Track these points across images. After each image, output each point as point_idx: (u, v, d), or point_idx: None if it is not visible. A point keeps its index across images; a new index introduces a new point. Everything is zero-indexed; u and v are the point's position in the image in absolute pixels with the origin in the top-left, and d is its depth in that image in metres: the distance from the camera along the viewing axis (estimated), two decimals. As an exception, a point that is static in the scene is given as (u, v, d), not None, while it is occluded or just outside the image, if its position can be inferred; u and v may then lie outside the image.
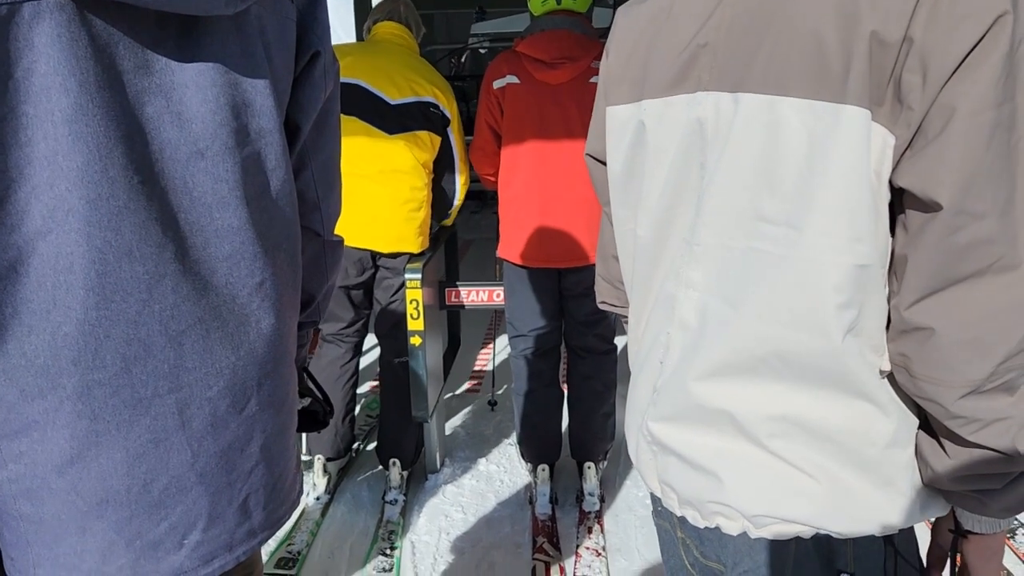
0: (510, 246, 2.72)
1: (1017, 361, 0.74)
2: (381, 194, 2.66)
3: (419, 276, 2.69)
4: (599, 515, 2.81)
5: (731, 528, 0.93)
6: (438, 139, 2.76)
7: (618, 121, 1.02)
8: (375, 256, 2.77)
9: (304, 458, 3.00)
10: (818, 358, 0.83)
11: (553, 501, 2.86)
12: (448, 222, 3.07)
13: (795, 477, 0.87)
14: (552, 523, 2.77)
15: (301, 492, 1.05)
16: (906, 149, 0.75)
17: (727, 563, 0.98)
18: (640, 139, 0.98)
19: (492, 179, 2.83)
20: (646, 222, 0.99)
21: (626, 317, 1.18)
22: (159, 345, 0.76)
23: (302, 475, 1.07)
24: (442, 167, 2.83)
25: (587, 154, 1.17)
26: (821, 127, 0.77)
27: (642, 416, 1.02)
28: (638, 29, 0.98)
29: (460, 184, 2.88)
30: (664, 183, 0.95)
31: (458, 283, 3.12)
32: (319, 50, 0.96)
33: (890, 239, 0.80)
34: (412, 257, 2.80)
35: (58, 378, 0.71)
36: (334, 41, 1.02)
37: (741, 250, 0.86)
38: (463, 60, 9.28)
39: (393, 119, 2.62)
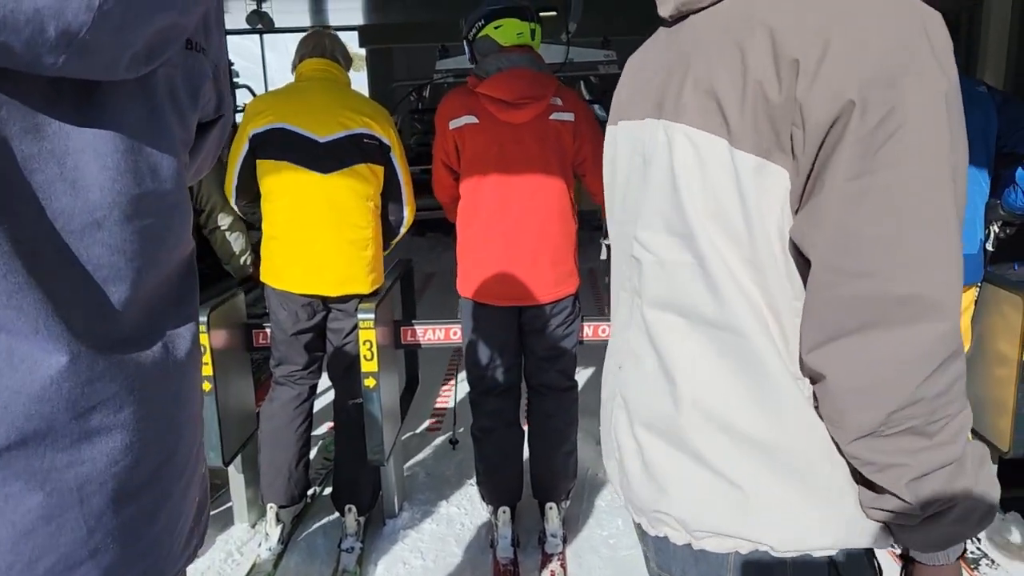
0: (470, 283, 2.68)
1: (917, 410, 0.77)
2: (323, 238, 2.60)
3: (372, 316, 2.63)
4: (562, 556, 2.75)
5: (677, 538, 0.95)
6: (380, 168, 2.69)
7: (607, 137, 1.14)
8: (325, 300, 2.71)
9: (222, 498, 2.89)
10: (742, 345, 0.86)
11: (515, 544, 2.79)
12: (386, 251, 2.97)
13: (727, 488, 0.88)
14: (514, 567, 2.70)
15: (200, 543, 1.00)
16: (800, 197, 0.81)
17: (675, 573, 1.00)
18: (612, 156, 1.10)
19: (451, 207, 2.79)
20: (612, 233, 1.11)
21: None
22: (62, 421, 0.71)
23: (206, 520, 1.02)
24: (387, 196, 2.77)
25: None
26: (700, 151, 0.85)
27: (610, 421, 1.07)
28: (632, 62, 1.11)
29: (407, 212, 2.82)
30: (622, 200, 1.06)
31: (414, 322, 3.06)
32: (223, 114, 0.94)
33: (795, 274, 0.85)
34: (364, 296, 2.74)
35: None
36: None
37: (661, 261, 0.94)
38: (424, 94, 9.36)
39: (325, 157, 2.57)
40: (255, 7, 8.91)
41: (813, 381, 0.84)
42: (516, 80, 2.51)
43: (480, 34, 2.64)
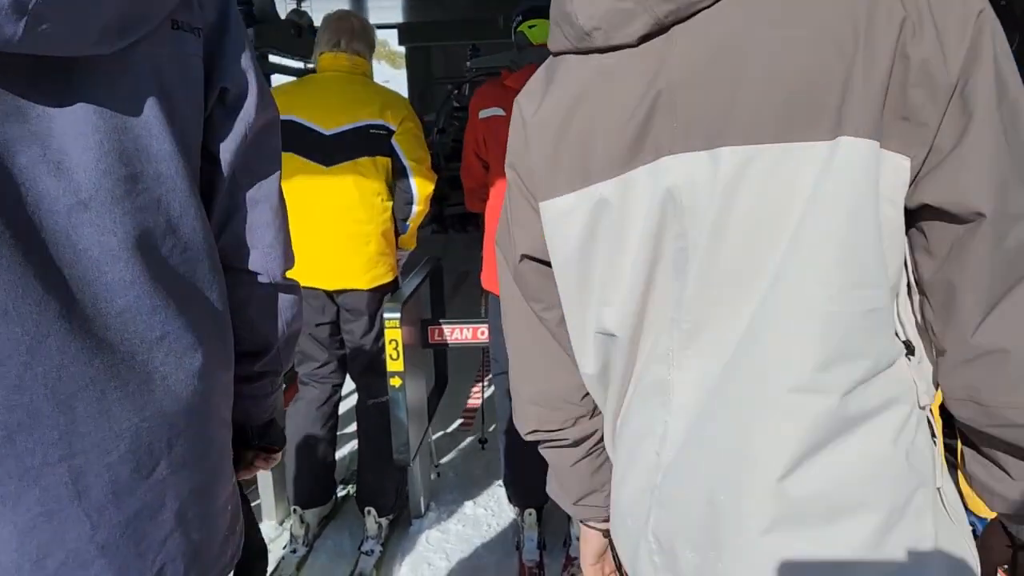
0: (496, 278, 2.64)
1: None
2: (323, 230, 2.56)
3: (398, 315, 2.61)
4: (587, 561, 2.70)
5: None
6: (386, 160, 2.64)
7: (558, 213, 0.89)
8: (329, 294, 2.69)
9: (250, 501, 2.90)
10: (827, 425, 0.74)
11: (541, 546, 2.75)
12: (408, 240, 2.85)
13: None
14: (539, 570, 2.67)
15: (236, 555, 0.99)
16: (920, 168, 0.71)
17: None
18: (593, 227, 0.87)
19: (476, 191, 2.78)
20: (614, 313, 0.88)
21: (562, 442, 1.07)
22: (45, 411, 0.71)
23: (240, 535, 1.00)
24: (394, 177, 2.69)
25: (526, 255, 0.99)
26: (819, 168, 0.71)
27: (642, 518, 0.90)
28: (560, 114, 0.87)
29: (416, 188, 2.67)
30: (634, 265, 0.84)
31: (441, 321, 3.04)
32: (226, 86, 0.91)
33: (903, 273, 0.76)
34: (391, 295, 2.72)
35: None
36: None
37: (742, 318, 0.77)
38: (463, 92, 9.39)
39: (329, 150, 2.54)
40: (295, 6, 9.00)
41: (975, 371, 0.73)
42: None
43: (518, 29, 2.64)
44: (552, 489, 1.13)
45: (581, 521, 1.13)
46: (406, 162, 2.64)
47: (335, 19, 2.68)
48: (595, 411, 1.04)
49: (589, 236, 0.87)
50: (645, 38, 0.78)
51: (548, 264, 0.96)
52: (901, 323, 0.77)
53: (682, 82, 0.76)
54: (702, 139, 0.76)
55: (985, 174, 0.68)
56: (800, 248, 0.73)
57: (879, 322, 0.74)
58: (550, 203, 0.90)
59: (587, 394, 1.02)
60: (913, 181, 0.72)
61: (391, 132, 2.60)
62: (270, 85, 3.65)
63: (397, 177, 2.67)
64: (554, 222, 0.90)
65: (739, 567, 0.79)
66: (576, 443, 1.06)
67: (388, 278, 2.72)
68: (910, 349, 0.77)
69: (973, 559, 0.81)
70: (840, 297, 0.72)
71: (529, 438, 1.09)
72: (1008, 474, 0.77)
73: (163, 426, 0.81)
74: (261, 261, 1.02)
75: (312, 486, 2.77)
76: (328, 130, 2.54)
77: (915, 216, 0.74)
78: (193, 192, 0.85)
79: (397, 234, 2.78)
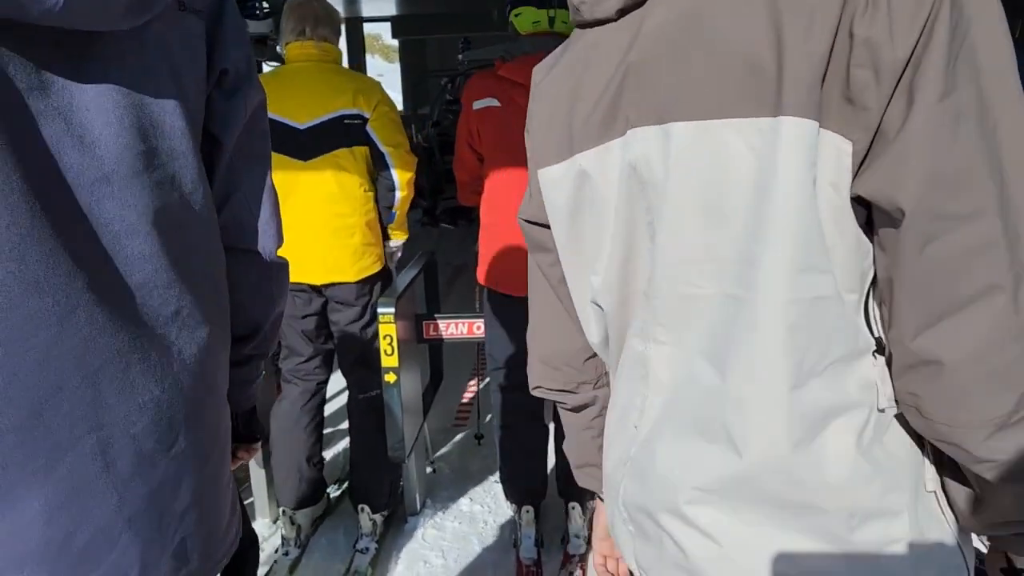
0: (491, 273, 2.61)
1: None
2: (306, 225, 2.51)
3: (392, 311, 2.57)
4: (583, 558, 2.67)
5: None
6: (364, 149, 2.57)
7: (551, 181, 0.92)
8: (316, 288, 2.64)
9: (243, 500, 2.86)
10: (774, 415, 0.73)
11: (539, 544, 2.71)
12: (397, 230, 2.79)
13: None
14: (537, 568, 2.63)
15: (239, 534, 1.01)
16: (866, 155, 0.67)
17: None
18: (578, 197, 0.89)
19: (469, 184, 2.74)
20: (601, 282, 0.90)
21: (564, 404, 1.11)
22: (73, 383, 0.72)
23: (239, 517, 1.02)
24: (375, 168, 2.62)
25: (524, 220, 1.04)
26: (762, 146, 0.69)
27: (616, 489, 0.93)
28: (557, 85, 0.89)
29: (396, 175, 2.61)
30: (612, 238, 0.86)
31: (436, 316, 3.00)
32: (226, 68, 0.93)
33: (865, 262, 0.72)
34: (386, 289, 2.67)
35: None
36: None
37: (703, 296, 0.77)
38: (456, 84, 9.37)
39: (304, 144, 2.48)
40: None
41: (915, 379, 0.68)
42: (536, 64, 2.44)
43: (509, 18, 2.59)
44: (565, 444, 1.16)
45: (588, 488, 1.14)
46: (383, 148, 2.58)
47: (296, 5, 2.56)
48: (599, 380, 1.06)
49: (575, 206, 0.90)
50: (623, 12, 0.79)
51: (546, 227, 0.99)
52: (874, 319, 0.74)
53: (647, 55, 0.77)
54: (658, 113, 0.76)
55: (913, 167, 0.63)
56: (752, 228, 0.71)
57: (827, 312, 0.71)
58: (543, 171, 0.93)
59: (590, 358, 1.04)
60: (860, 168, 0.68)
61: (366, 120, 2.54)
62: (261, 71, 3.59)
63: (377, 165, 2.61)
64: (546, 191, 0.93)
65: (685, 545, 0.81)
66: (577, 409, 1.08)
67: (376, 268, 2.67)
68: (880, 347, 0.73)
69: (967, 570, 0.78)
70: (790, 282, 0.70)
71: (535, 393, 1.12)
72: (976, 493, 0.73)
73: (181, 399, 0.83)
74: (259, 239, 1.06)
75: (300, 487, 2.71)
76: (302, 124, 2.48)
77: (869, 210, 0.70)
78: (201, 171, 0.87)
79: (384, 224, 2.73)
